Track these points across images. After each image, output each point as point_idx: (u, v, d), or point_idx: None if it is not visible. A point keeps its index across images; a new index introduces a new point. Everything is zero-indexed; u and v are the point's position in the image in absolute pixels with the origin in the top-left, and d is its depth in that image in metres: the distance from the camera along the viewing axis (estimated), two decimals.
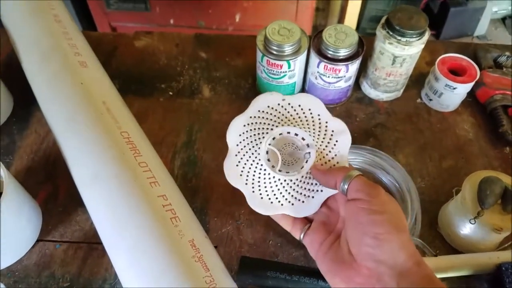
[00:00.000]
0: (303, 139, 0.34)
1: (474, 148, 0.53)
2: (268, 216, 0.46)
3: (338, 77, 0.51)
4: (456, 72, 0.54)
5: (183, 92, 0.58)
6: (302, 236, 0.34)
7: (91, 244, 0.44)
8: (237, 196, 0.48)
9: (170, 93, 0.58)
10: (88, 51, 0.49)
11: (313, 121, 0.34)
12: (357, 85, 0.59)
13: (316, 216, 0.34)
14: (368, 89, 0.57)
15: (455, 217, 0.42)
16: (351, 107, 0.57)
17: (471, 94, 0.56)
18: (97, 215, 0.37)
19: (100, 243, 0.43)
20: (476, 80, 0.52)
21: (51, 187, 0.48)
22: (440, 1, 1.46)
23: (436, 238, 0.45)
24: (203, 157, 0.52)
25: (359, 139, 0.53)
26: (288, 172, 0.33)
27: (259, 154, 0.34)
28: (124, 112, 0.44)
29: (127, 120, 0.43)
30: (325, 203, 0.34)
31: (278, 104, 0.35)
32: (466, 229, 0.41)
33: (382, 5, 1.39)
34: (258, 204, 0.33)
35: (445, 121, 0.56)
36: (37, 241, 0.44)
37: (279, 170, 0.33)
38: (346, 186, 0.30)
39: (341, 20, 1.43)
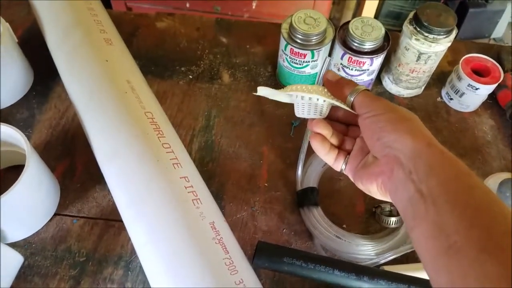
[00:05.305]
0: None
1: (492, 150, 0.53)
2: (283, 207, 0.47)
3: (362, 70, 0.51)
4: (479, 73, 0.53)
5: (203, 76, 0.58)
6: (344, 167, 0.35)
7: (108, 221, 0.44)
8: (253, 183, 0.49)
9: (190, 76, 0.58)
10: (113, 29, 0.49)
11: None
12: (378, 79, 0.58)
13: (354, 146, 0.36)
14: (389, 84, 0.57)
15: None
16: None
17: (492, 96, 0.56)
18: (118, 191, 0.38)
19: (117, 220, 0.44)
20: (499, 82, 0.52)
21: (69, 163, 0.49)
22: (459, 1, 1.43)
23: None
24: (220, 142, 0.52)
25: None
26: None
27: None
28: (148, 93, 0.44)
29: (151, 101, 0.43)
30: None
31: None
32: None
33: (401, 1, 1.37)
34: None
35: (464, 121, 0.55)
36: (55, 215, 0.45)
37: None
38: (352, 99, 0.32)
39: (356, 14, 1.41)
